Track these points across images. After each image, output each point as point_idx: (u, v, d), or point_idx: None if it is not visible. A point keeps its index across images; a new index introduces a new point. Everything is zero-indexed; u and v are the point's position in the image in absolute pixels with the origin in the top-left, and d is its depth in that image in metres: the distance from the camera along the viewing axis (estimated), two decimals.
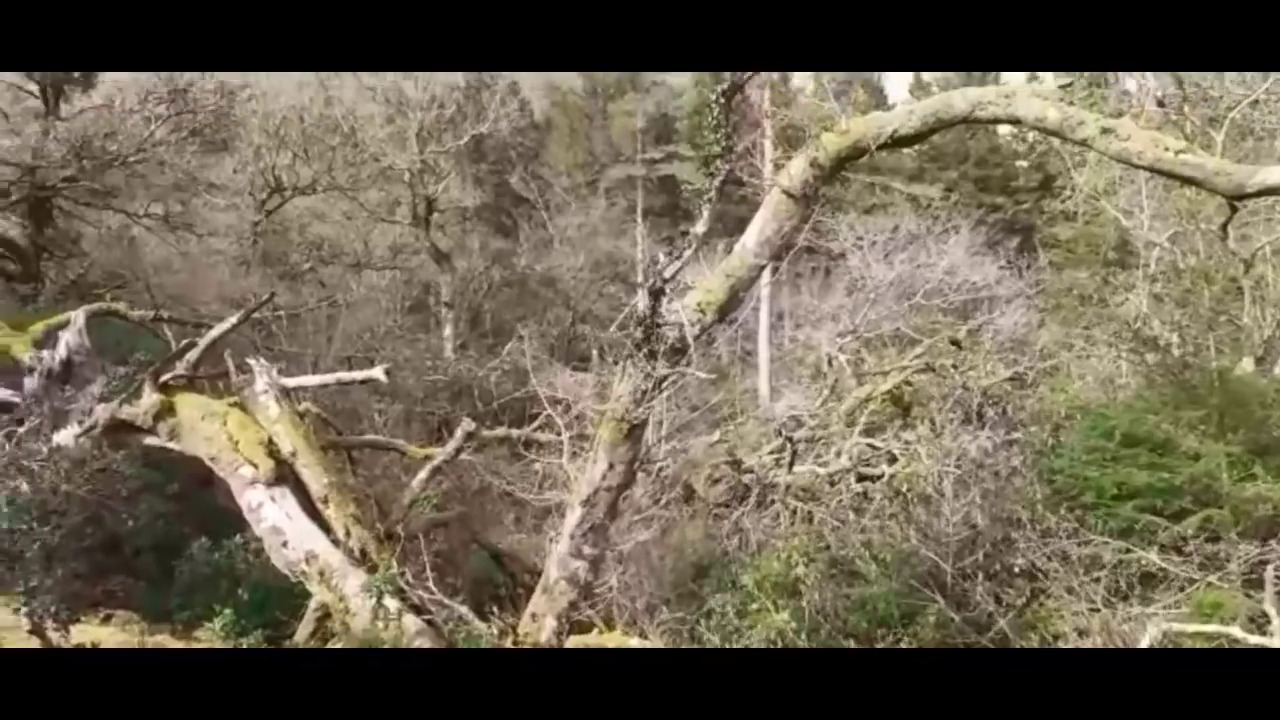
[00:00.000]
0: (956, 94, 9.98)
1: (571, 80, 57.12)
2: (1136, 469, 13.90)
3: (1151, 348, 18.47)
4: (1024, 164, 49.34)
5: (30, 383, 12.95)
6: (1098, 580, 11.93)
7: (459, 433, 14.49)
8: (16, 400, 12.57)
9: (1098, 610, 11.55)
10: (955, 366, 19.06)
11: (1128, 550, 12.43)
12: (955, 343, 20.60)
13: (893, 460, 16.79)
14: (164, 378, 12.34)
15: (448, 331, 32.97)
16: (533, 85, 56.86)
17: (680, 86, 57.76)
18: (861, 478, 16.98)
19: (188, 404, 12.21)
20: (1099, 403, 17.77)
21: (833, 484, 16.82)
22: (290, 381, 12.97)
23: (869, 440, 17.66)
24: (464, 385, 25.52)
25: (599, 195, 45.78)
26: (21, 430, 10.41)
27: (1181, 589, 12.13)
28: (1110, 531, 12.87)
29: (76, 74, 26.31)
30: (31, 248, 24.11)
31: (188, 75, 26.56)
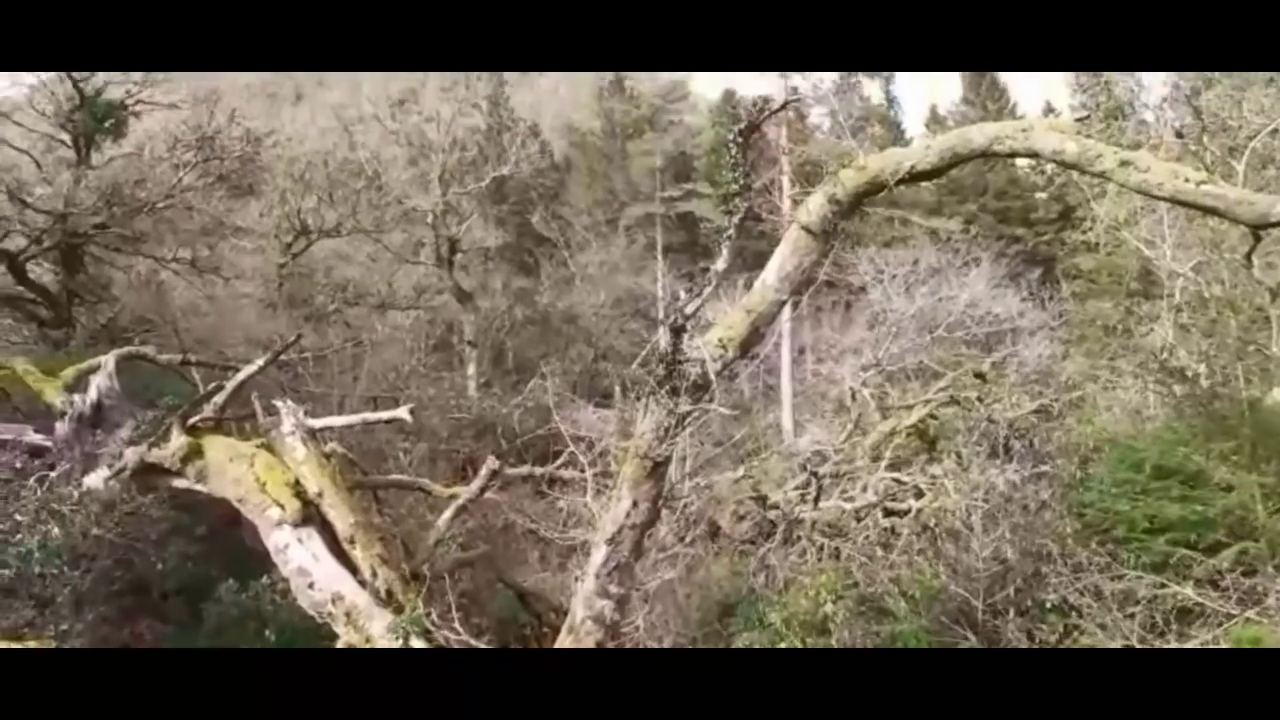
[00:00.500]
0: (974, 129, 10.04)
1: (590, 121, 57.84)
2: (1168, 502, 13.71)
3: (1179, 378, 18.26)
4: (1043, 196, 49.25)
5: (62, 427, 13.11)
6: (1132, 616, 11.74)
7: (483, 471, 14.49)
8: (48, 445, 12.72)
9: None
10: (980, 399, 18.89)
11: (1162, 585, 12.23)
12: (979, 375, 20.43)
13: (920, 495, 16.63)
14: (192, 420, 12.47)
15: (471, 370, 33.15)
16: (552, 127, 57.67)
17: (697, 125, 58.35)
18: (888, 513, 16.82)
19: (215, 446, 12.32)
20: (1127, 434, 17.57)
21: (859, 519, 16.68)
22: (316, 422, 13.06)
23: (895, 475, 17.50)
24: (488, 423, 25.62)
25: (619, 233, 46.11)
26: (53, 475, 10.53)
27: (1219, 624, 11.90)
28: (1144, 566, 12.68)
29: (107, 123, 26.99)
30: (63, 293, 24.53)
31: (215, 122, 27.20)
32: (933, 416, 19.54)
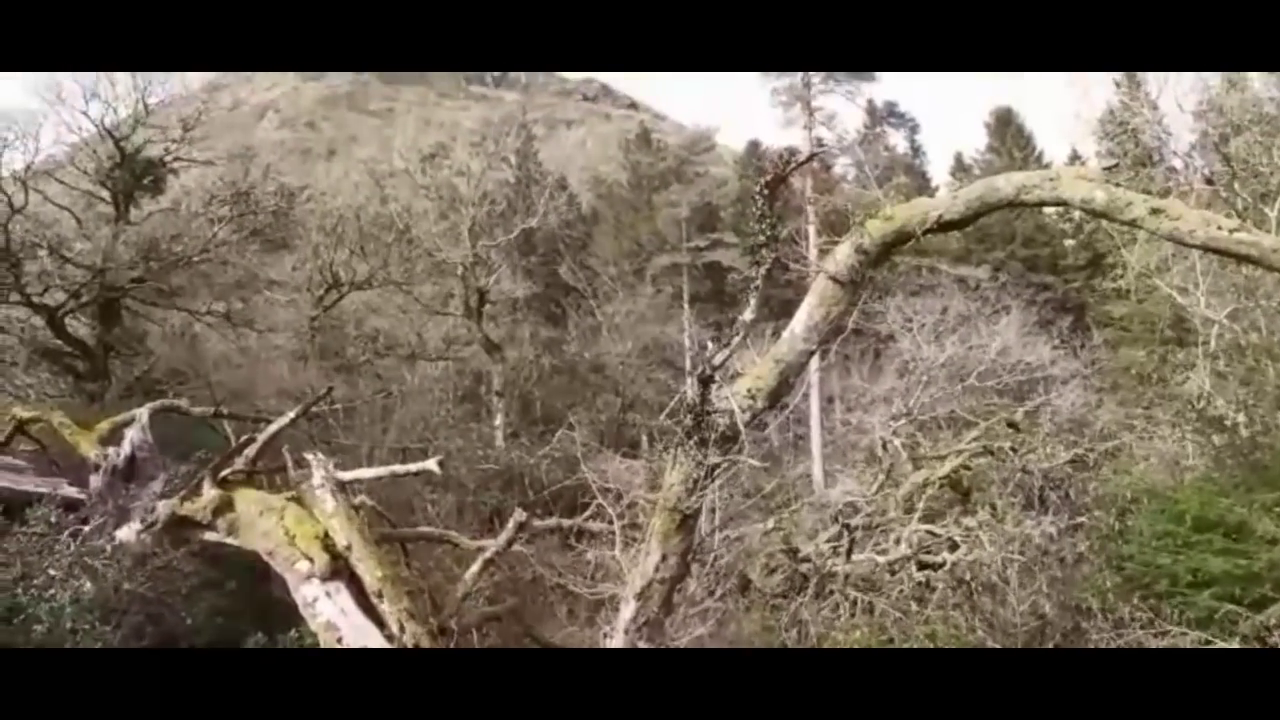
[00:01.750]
0: (1000, 178, 10.02)
1: (617, 173, 58.58)
2: (1211, 555, 13.35)
3: (1218, 428, 17.92)
4: (1072, 243, 49.02)
5: (96, 480, 13.24)
6: None
7: (511, 523, 14.43)
8: (83, 498, 12.84)
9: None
10: (1014, 449, 18.61)
11: (1208, 641, 11.87)
12: (1012, 425, 20.16)
13: (954, 547, 16.33)
14: (223, 473, 12.54)
15: (499, 420, 33.24)
16: (580, 180, 58.48)
17: (723, 176, 58.90)
18: (922, 566, 16.52)
19: (246, 499, 12.36)
20: (1166, 485, 17.19)
21: (893, 573, 16.39)
22: (346, 475, 13.08)
23: (929, 527, 17.23)
24: (515, 474, 25.61)
25: (646, 283, 46.36)
26: (87, 529, 10.61)
27: None
28: (1188, 622, 12.33)
29: (146, 180, 27.72)
30: (100, 347, 24.98)
31: (250, 178, 27.85)
32: (966, 467, 19.26)
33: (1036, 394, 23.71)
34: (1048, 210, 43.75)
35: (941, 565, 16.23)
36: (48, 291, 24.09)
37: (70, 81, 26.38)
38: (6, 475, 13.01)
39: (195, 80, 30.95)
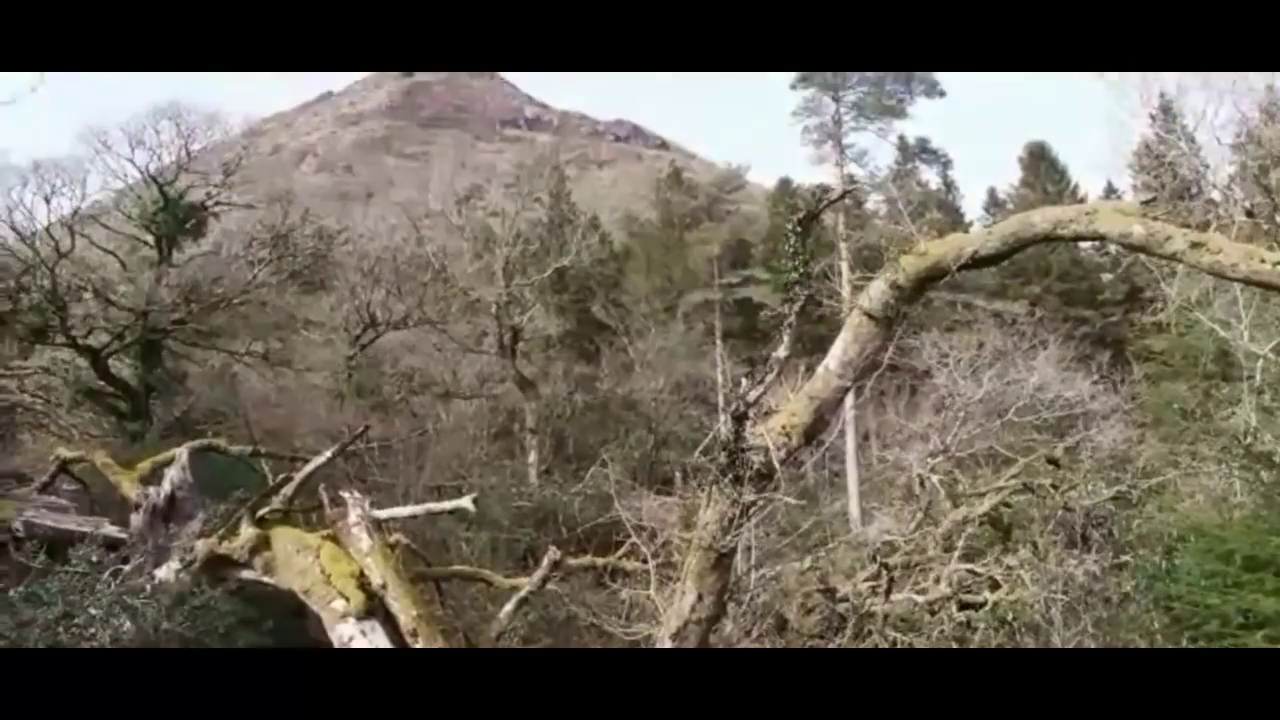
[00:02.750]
0: (1035, 213, 9.98)
1: (648, 212, 59.01)
2: (1263, 595, 13.01)
3: (1266, 464, 17.50)
4: (1109, 276, 48.45)
5: (136, 520, 13.42)
6: None
7: (545, 562, 14.42)
8: (123, 537, 13.00)
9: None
10: (1055, 486, 18.22)
11: None
12: (1053, 461, 19.76)
13: (995, 587, 15.97)
14: (261, 512, 12.66)
15: (532, 457, 33.29)
16: (611, 219, 58.98)
17: (754, 213, 59.10)
18: (963, 605, 16.16)
19: (283, 537, 12.47)
20: (1213, 523, 16.81)
21: (933, 613, 16.04)
22: (382, 513, 13.17)
23: (969, 565, 16.86)
24: (549, 511, 25.57)
25: (678, 320, 46.45)
26: (127, 568, 10.73)
27: None
28: None
29: (188, 224, 28.36)
30: (141, 387, 25.43)
31: (289, 221, 28.39)
32: (1006, 504, 18.89)
33: (1076, 430, 23.30)
34: (1084, 245, 43.44)
35: (983, 605, 15.86)
36: (92, 333, 24.64)
37: (117, 130, 27.18)
38: (50, 515, 13.22)
39: (236, 126, 31.74)
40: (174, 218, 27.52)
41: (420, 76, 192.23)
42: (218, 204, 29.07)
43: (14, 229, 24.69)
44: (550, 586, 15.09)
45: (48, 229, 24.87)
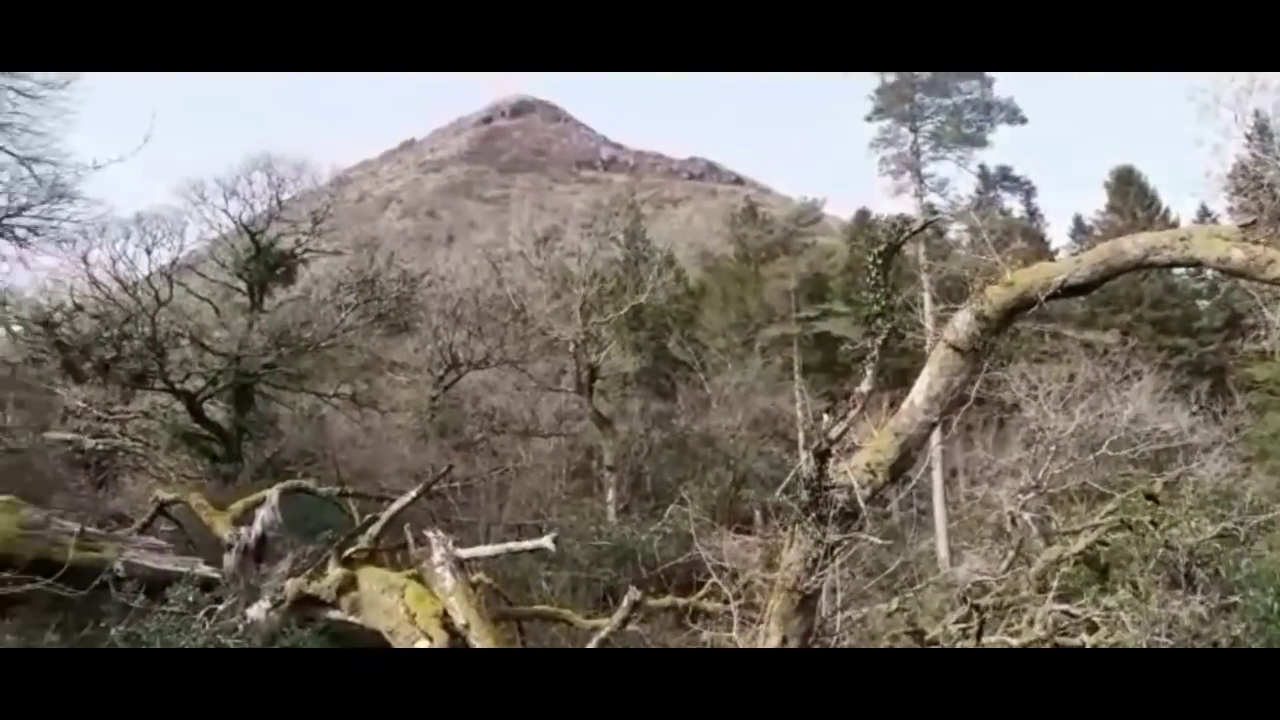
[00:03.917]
0: (1127, 240, 9.63)
1: (724, 247, 59.07)
2: None
3: None
4: (1206, 303, 46.59)
5: (229, 560, 13.78)
6: None
7: (625, 602, 14.28)
8: (217, 577, 13.36)
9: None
10: (1154, 523, 17.45)
11: None
12: (1151, 497, 18.95)
13: (1093, 629, 15.31)
14: (348, 552, 12.89)
15: (610, 495, 33.29)
16: (687, 256, 59.21)
17: (831, 246, 58.65)
18: (1059, 649, 15.53)
19: (369, 577, 12.66)
20: None
21: None
22: (465, 552, 13.27)
23: (1064, 607, 16.21)
24: (627, 550, 25.45)
25: (755, 354, 46.19)
26: (221, 608, 11.00)
27: None
28: None
29: (278, 271, 29.38)
30: (234, 429, 26.27)
31: (375, 266, 29.20)
32: (1102, 543, 18.15)
33: (1175, 464, 22.32)
34: (1178, 270, 41.89)
35: (1080, 648, 15.23)
36: (188, 378, 25.61)
37: (212, 182, 28.42)
38: (149, 555, 13.65)
39: (324, 175, 32.92)
40: (265, 265, 28.57)
41: (498, 122, 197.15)
42: (307, 251, 30.10)
43: (118, 279, 25.89)
44: (631, 627, 14.94)
45: (148, 278, 26.00)
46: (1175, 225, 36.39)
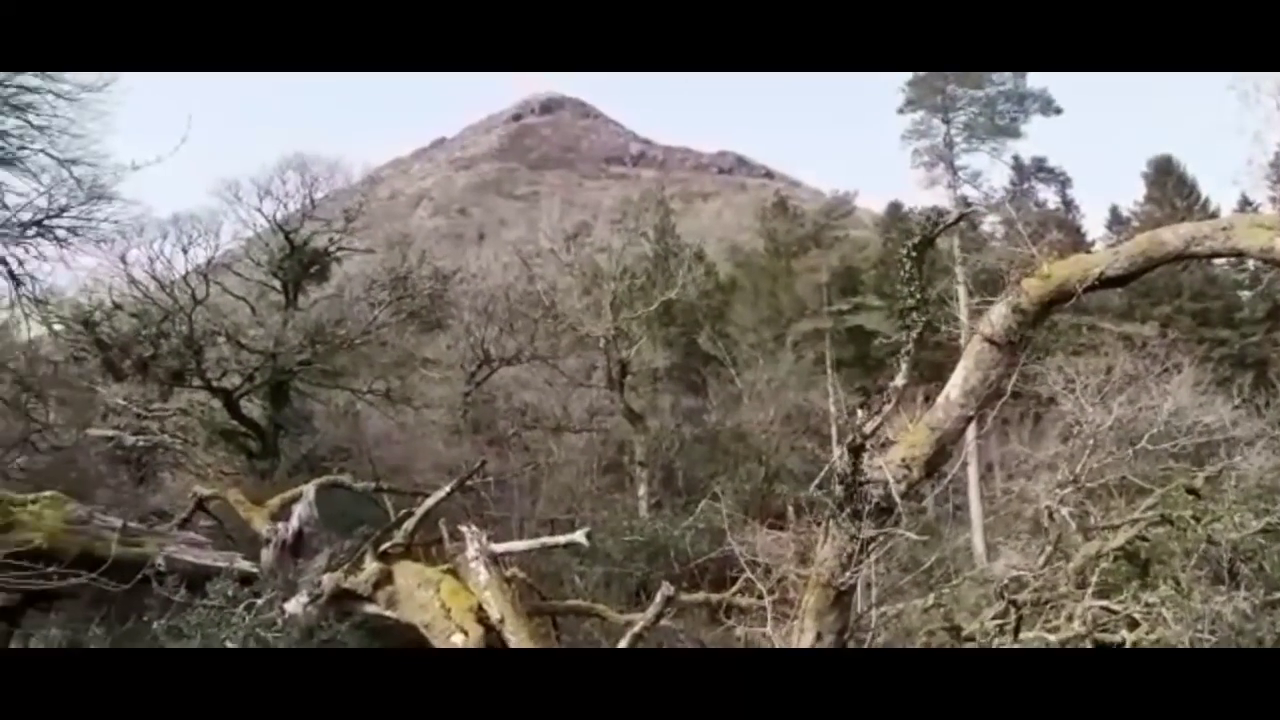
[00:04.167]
0: (1166, 230, 9.45)
1: (754, 241, 58.80)
2: None
3: None
4: (1248, 294, 45.68)
5: (267, 555, 13.96)
6: None
7: (659, 597, 14.27)
8: (255, 572, 13.53)
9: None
10: (1196, 518, 17.15)
11: None
12: (1193, 491, 18.63)
13: (1134, 625, 15.09)
14: (384, 547, 13.00)
15: (642, 491, 33.32)
16: (716, 250, 59.01)
17: (863, 239, 58.20)
18: (1098, 645, 15.32)
19: (405, 572, 12.77)
20: None
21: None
22: (499, 547, 13.35)
23: (1104, 603, 15.99)
24: (660, 545, 25.46)
25: (786, 349, 45.97)
26: (260, 603, 11.14)
27: None
28: None
29: (313, 269, 29.68)
30: (270, 426, 26.59)
31: (407, 264, 29.40)
32: (1142, 538, 17.88)
33: (1217, 458, 21.90)
34: (1218, 261, 41.12)
35: (1120, 644, 15.02)
36: (225, 376, 25.95)
37: (247, 181, 28.76)
38: (189, 550, 13.86)
39: (356, 174, 33.20)
40: (299, 263, 28.87)
41: (528, 119, 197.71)
42: (340, 249, 30.38)
43: (155, 278, 26.29)
44: (664, 622, 14.94)
45: (185, 277, 26.38)
46: (1215, 215, 35.76)
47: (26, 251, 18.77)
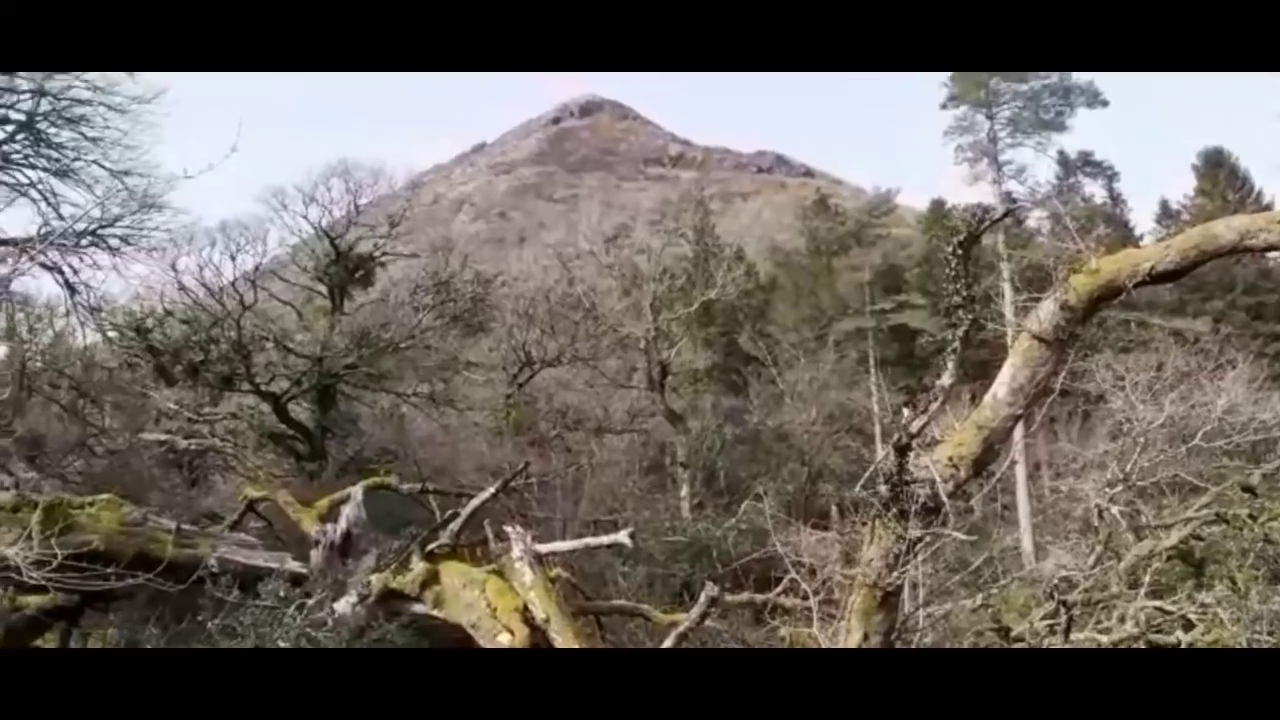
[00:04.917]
0: (1219, 224, 9.26)
1: (795, 240, 58.46)
2: None
3: None
4: None
5: (316, 556, 14.18)
6: None
7: (703, 598, 14.28)
8: (305, 572, 13.76)
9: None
10: (1252, 516, 16.75)
11: None
12: (1249, 489, 18.20)
13: (1189, 626, 14.78)
14: (430, 547, 13.15)
15: (684, 491, 33.29)
16: (757, 250, 58.76)
17: (906, 237, 57.60)
18: (1152, 646, 15.02)
19: (451, 572, 12.92)
20: None
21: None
22: (543, 547, 13.44)
23: (1157, 603, 15.69)
24: (703, 546, 25.43)
25: (828, 348, 45.66)
26: (310, 602, 11.33)
27: None
28: None
29: (358, 274, 30.09)
30: (318, 429, 26.99)
31: (450, 268, 29.69)
32: (1196, 537, 17.51)
33: (1274, 454, 21.39)
34: (1272, 254, 40.04)
35: (1176, 646, 14.71)
36: (273, 380, 26.40)
37: (292, 189, 29.22)
38: (241, 551, 14.13)
39: (399, 180, 33.57)
40: (345, 269, 29.28)
41: (567, 123, 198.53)
42: (384, 254, 30.77)
43: (205, 285, 26.81)
44: (709, 623, 14.94)
45: (233, 284, 26.85)
46: (1269, 208, 34.85)
47: (81, 260, 19.29)
